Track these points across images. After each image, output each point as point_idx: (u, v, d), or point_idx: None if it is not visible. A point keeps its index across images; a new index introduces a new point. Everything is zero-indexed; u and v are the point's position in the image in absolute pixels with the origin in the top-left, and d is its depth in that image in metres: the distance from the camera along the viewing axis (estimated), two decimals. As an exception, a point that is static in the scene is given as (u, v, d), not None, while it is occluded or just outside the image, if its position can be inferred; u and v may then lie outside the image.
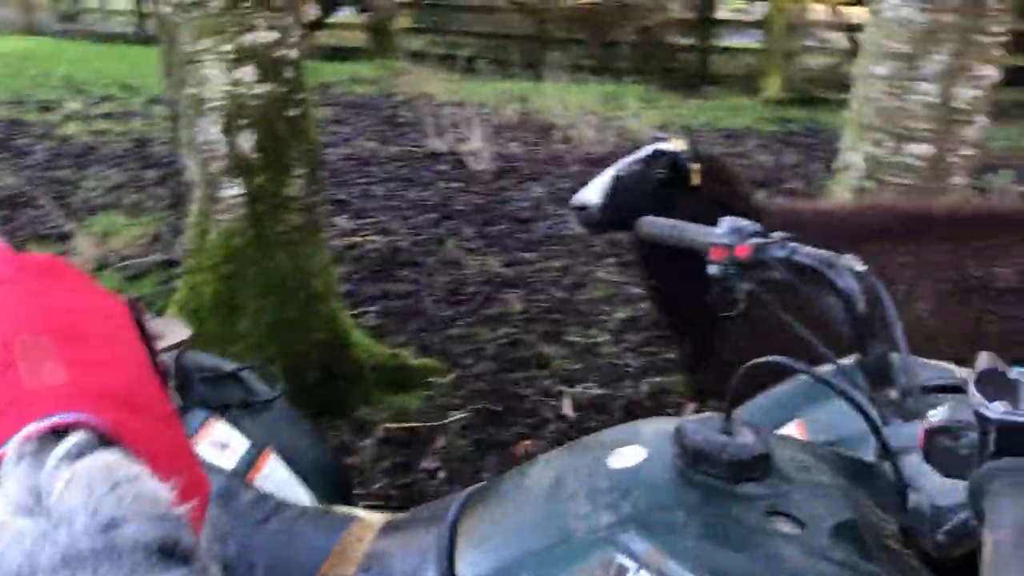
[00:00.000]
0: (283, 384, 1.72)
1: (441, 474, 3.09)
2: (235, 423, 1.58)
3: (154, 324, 1.16)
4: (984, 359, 0.80)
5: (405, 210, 6.06)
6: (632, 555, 0.88)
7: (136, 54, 12.38)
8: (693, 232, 1.33)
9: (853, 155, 3.30)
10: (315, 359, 3.26)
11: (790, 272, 1.19)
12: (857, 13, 11.65)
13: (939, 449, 0.89)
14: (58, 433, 0.72)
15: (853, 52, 10.88)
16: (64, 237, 5.30)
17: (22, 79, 10.70)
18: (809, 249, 1.19)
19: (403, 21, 14.26)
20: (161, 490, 0.67)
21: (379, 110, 9.78)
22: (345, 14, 15.85)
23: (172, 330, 1.52)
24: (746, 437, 1.00)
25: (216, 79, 2.98)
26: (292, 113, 3.09)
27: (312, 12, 14.87)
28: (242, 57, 2.98)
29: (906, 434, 1.07)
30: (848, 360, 1.18)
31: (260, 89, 3.01)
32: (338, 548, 1.20)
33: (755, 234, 1.24)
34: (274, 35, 3.03)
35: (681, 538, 0.91)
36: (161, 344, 1.25)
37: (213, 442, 1.53)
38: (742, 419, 1.04)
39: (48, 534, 0.60)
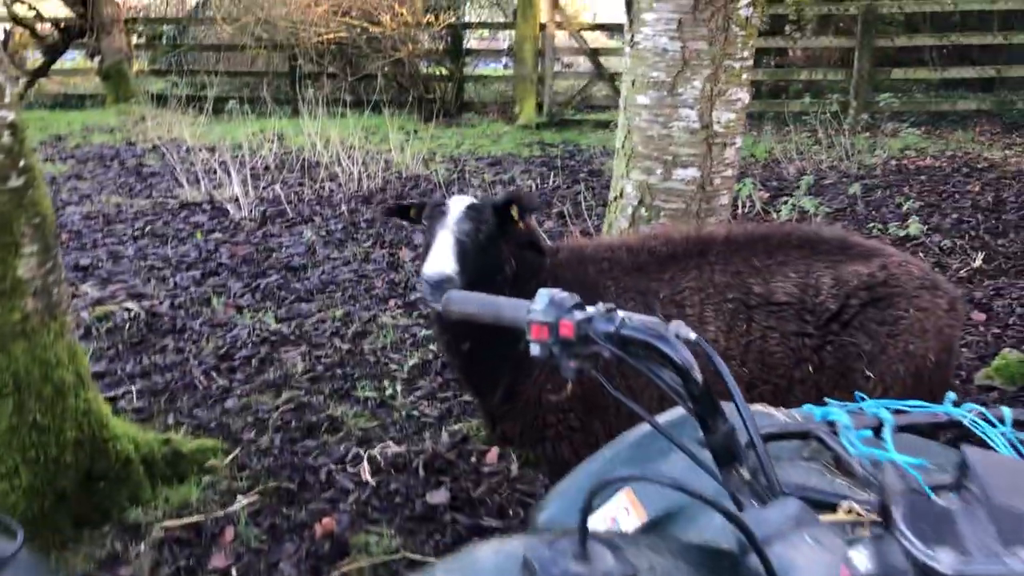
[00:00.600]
0: (23, 533, 1.39)
1: (234, 572, 2.75)
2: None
3: None
4: (892, 477, 0.70)
5: (161, 270, 5.55)
6: None
7: None
8: (509, 309, 1.18)
9: (626, 183, 3.33)
10: (69, 462, 2.81)
11: (619, 347, 1.07)
12: (597, 39, 12.25)
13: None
14: None
15: (598, 75, 11.42)
16: None
17: None
18: (637, 322, 1.08)
19: (138, 64, 13.36)
20: None
21: (122, 161, 9.03)
22: (74, 58, 14.63)
23: None
24: (605, 561, 0.86)
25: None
26: (15, 184, 2.66)
27: (35, 57, 13.58)
28: (-58, 122, 2.52)
29: (767, 520, 0.98)
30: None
31: (-30, 159, 2.57)
32: None
33: (576, 307, 1.11)
34: (-19, 95, 2.59)
35: None
36: None
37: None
38: (590, 534, 0.90)
39: None
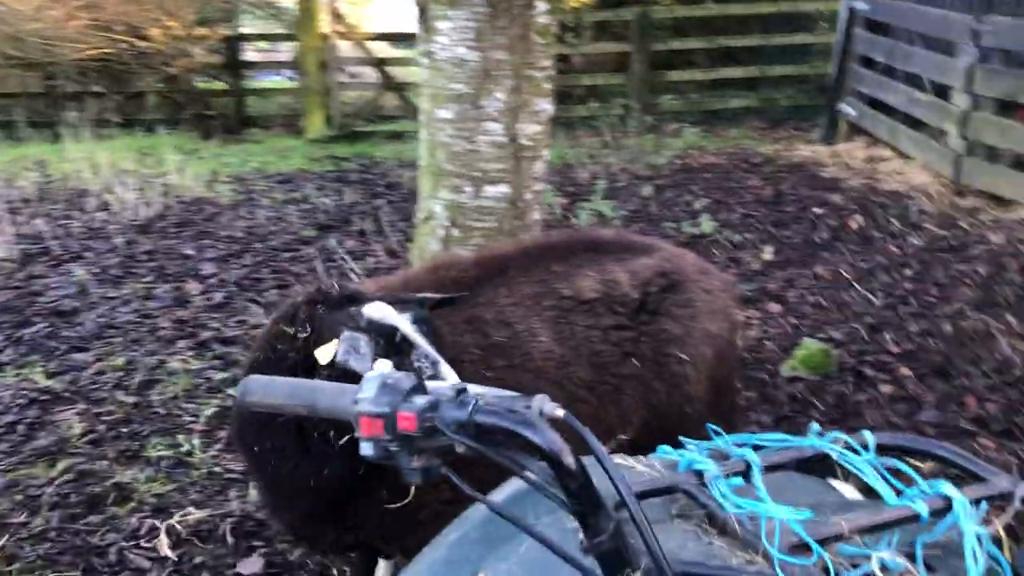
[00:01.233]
0: None
1: None
2: None
3: None
4: None
5: (-101, 327, 4.77)
6: None
7: None
8: (329, 397, 0.94)
9: (435, 204, 3.13)
10: None
11: (475, 438, 0.87)
12: (383, 48, 12.01)
13: None
14: None
15: (387, 86, 11.18)
16: None
17: None
18: (494, 401, 0.87)
19: None
20: None
21: None
22: None
23: None
24: None
25: None
26: None
27: None
28: None
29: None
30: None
31: None
32: None
33: (416, 390, 0.89)
34: None
35: None
36: None
37: None
38: None
39: None
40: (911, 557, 1.18)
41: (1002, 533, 1.26)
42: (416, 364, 1.82)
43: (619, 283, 2.41)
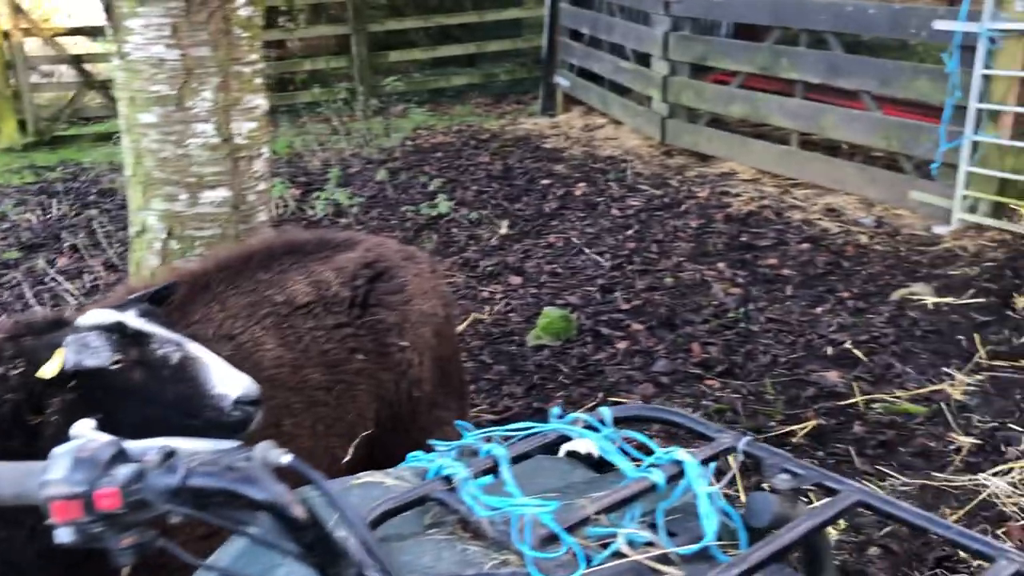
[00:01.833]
0: None
1: None
2: None
3: None
4: None
5: None
6: None
7: None
8: (10, 480, 0.81)
9: (148, 216, 2.89)
10: None
11: (191, 504, 0.78)
12: (80, 43, 10.99)
13: None
14: None
15: (87, 84, 10.24)
16: None
17: None
18: (209, 460, 0.79)
19: None
20: None
21: None
22: None
23: None
24: None
25: None
26: None
27: None
28: None
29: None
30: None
31: None
32: None
33: (116, 459, 0.79)
34: None
35: None
36: None
37: None
38: None
39: None
40: (654, 527, 1.23)
41: (740, 486, 1.35)
42: (160, 352, 1.79)
43: (328, 283, 2.39)
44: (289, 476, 0.84)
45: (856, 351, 3.94)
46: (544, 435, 1.43)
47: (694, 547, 1.19)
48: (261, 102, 2.93)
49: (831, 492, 1.29)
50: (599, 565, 1.14)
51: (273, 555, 0.97)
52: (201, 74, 2.77)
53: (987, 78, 4.73)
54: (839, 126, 5.75)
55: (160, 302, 1.97)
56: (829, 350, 3.99)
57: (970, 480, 3.04)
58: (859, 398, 3.58)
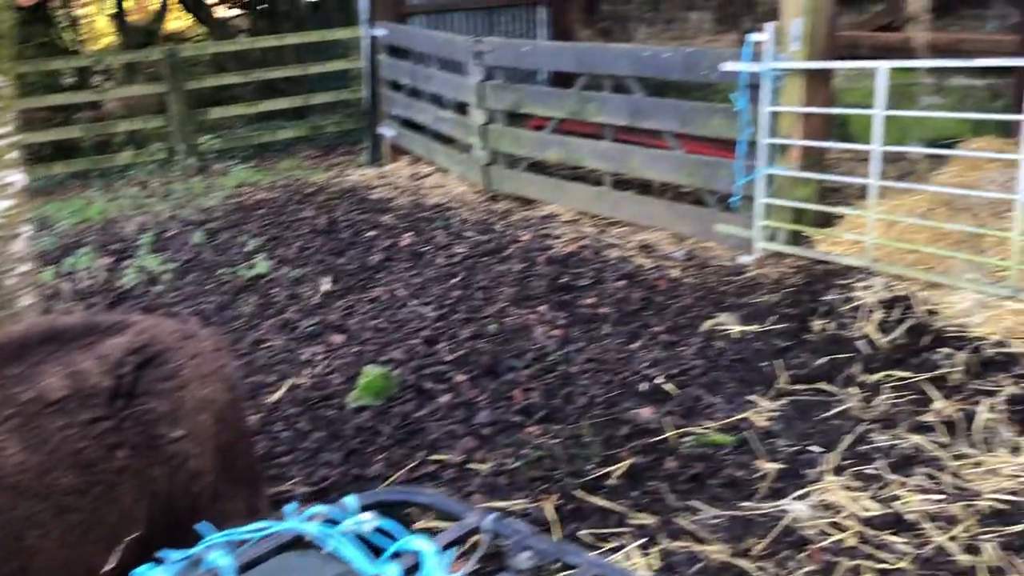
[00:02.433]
0: None
1: None
2: None
3: None
4: None
5: None
6: None
7: None
8: None
9: None
10: None
11: None
12: None
13: None
14: None
15: None
16: None
17: None
18: None
19: None
20: None
21: None
22: None
23: None
24: None
25: None
26: None
27: None
28: None
29: None
30: None
31: None
32: None
33: None
34: None
35: None
36: None
37: None
38: None
39: None
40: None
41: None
42: None
43: (87, 372, 2.21)
44: None
45: (668, 385, 4.03)
46: (279, 535, 1.35)
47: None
48: (18, 177, 2.73)
49: (571, 567, 1.27)
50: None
51: None
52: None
53: (774, 114, 5.02)
54: (645, 166, 5.96)
55: None
56: (643, 386, 4.07)
57: (773, 507, 3.14)
58: (670, 433, 3.65)
